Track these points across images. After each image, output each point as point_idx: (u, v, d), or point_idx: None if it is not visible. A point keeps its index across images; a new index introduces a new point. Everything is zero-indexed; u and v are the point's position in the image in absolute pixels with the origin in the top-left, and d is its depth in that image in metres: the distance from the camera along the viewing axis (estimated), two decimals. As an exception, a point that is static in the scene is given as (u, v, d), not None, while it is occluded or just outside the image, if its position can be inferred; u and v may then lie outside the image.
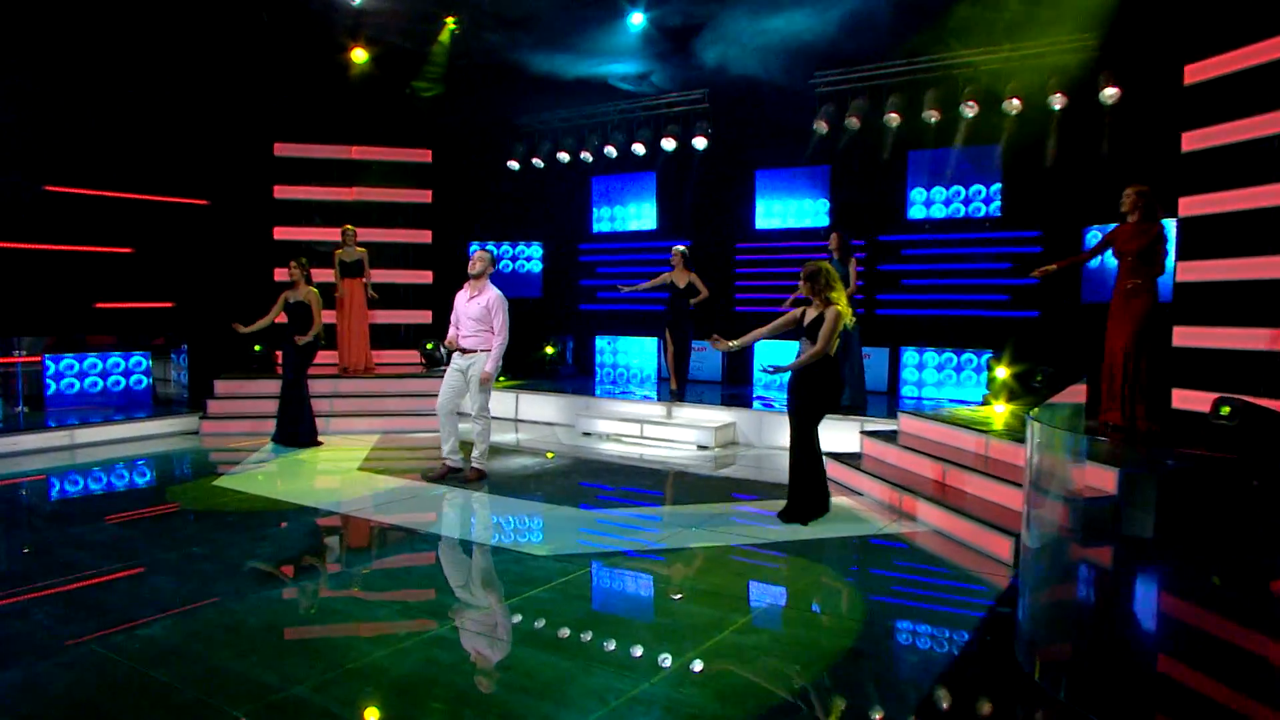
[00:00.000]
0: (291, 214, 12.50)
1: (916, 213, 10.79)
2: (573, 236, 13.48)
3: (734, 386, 11.81)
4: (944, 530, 6.01)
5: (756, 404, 10.07)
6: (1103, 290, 9.14)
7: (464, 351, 7.48)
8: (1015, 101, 9.43)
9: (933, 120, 10.07)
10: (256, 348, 11.48)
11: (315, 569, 5.29)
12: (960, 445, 7.18)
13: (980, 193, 10.32)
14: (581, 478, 7.94)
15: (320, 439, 9.13)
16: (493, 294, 7.46)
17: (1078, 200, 9.42)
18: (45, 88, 10.13)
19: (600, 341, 13.19)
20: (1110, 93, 8.82)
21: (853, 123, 10.55)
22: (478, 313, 7.43)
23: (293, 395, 8.92)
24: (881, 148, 10.66)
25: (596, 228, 13.38)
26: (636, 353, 12.94)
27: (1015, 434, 6.90)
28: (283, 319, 8.95)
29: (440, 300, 12.58)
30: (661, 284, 10.58)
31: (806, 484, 6.22)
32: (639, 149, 12.06)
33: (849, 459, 7.83)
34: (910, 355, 10.69)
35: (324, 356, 10.50)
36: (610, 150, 12.27)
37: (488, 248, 7.62)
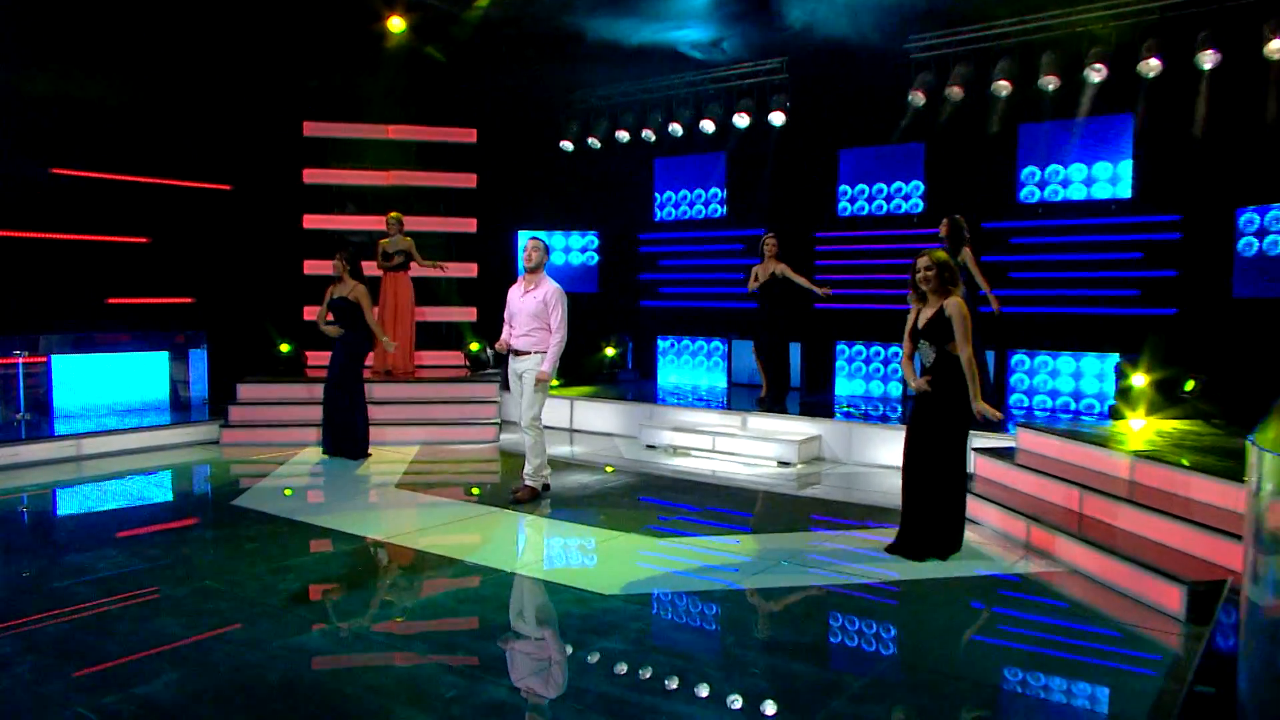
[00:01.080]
0: (322, 200, 12.22)
1: (1029, 195, 10.09)
2: (633, 225, 13.03)
3: (813, 394, 11.22)
4: (1088, 571, 5.37)
5: (840, 414, 9.46)
6: (1259, 283, 8.39)
7: (517, 353, 7.05)
8: (1153, 62, 8.68)
9: (1050, 88, 9.38)
10: (285, 348, 11.19)
11: (346, 609, 4.86)
12: (1097, 467, 6.53)
13: (1106, 171, 9.58)
14: (647, 497, 7.44)
15: (370, 450, 8.82)
16: (550, 287, 7.02)
17: (1228, 178, 8.65)
18: (53, 61, 9.94)
19: (663, 343, 12.72)
20: (1277, 46, 8.02)
21: (954, 93, 9.89)
22: (534, 308, 6.99)
23: (344, 401, 8.58)
24: (988, 121, 9.98)
25: (659, 215, 12.89)
26: (704, 355, 12.42)
27: (1165, 454, 6.24)
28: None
29: (486, 296, 12.23)
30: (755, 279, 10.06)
31: (939, 513, 5.64)
32: (708, 126, 11.53)
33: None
34: (1020, 359, 10.00)
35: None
36: (676, 128, 11.76)
37: (539, 237, 7.17)
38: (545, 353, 6.98)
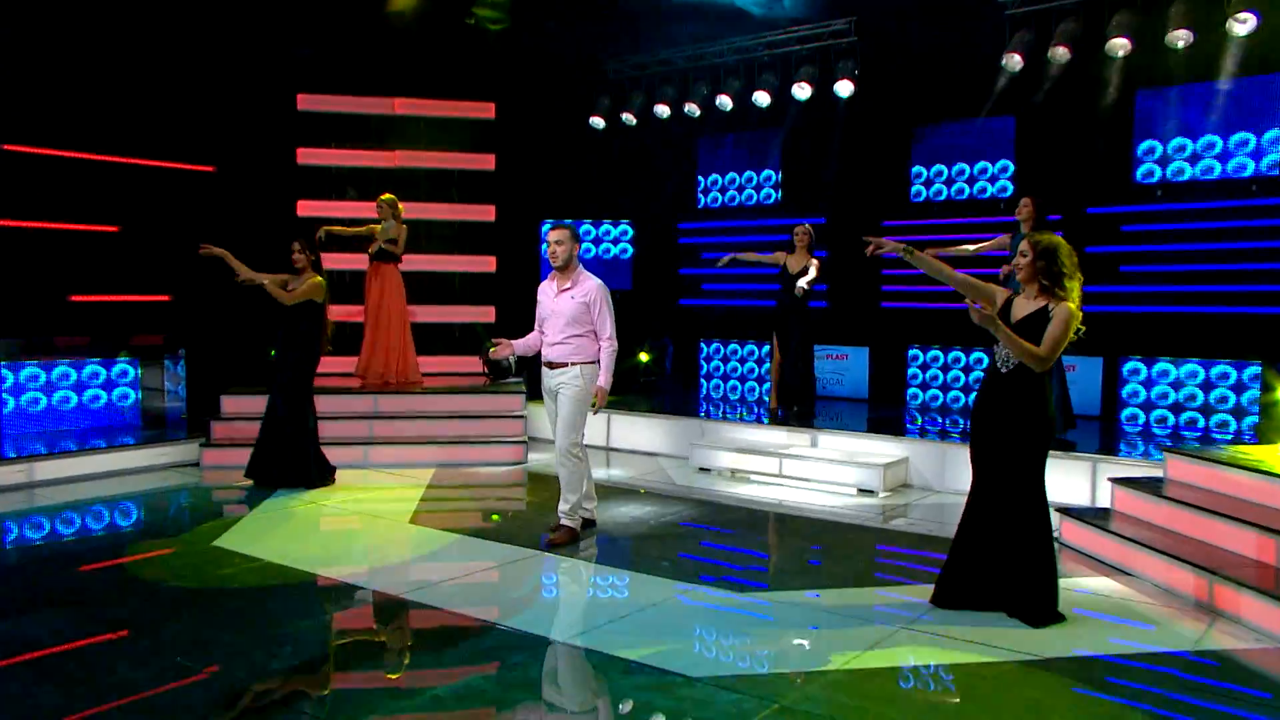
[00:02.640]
0: (319, 183, 11.35)
1: (1147, 175, 9.16)
2: (672, 214, 12.23)
3: (885, 408, 10.30)
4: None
5: (931, 432, 8.56)
6: None
7: (551, 366, 6.14)
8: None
9: (1179, 44, 8.44)
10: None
11: (355, 699, 3.96)
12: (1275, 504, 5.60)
13: (1247, 144, 8.64)
14: (709, 535, 6.55)
15: (334, 476, 7.94)
16: (591, 284, 6.12)
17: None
18: (4, 21, 9.10)
19: (707, 347, 11.84)
20: None
21: (1059, 54, 8.95)
22: (572, 311, 6.08)
23: (295, 416, 7.69)
24: (1102, 87, 9.06)
25: (703, 202, 11.99)
26: (753, 361, 11.53)
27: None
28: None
29: (505, 293, 11.42)
30: (773, 263, 9.22)
31: (1024, 562, 4.77)
32: (762, 98, 10.63)
33: (1090, 516, 6.31)
34: (1135, 367, 9.05)
35: (334, 365, 9.46)
36: (724, 101, 10.87)
37: (566, 224, 6.24)
38: (587, 364, 6.08)
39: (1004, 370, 4.75)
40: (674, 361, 12.24)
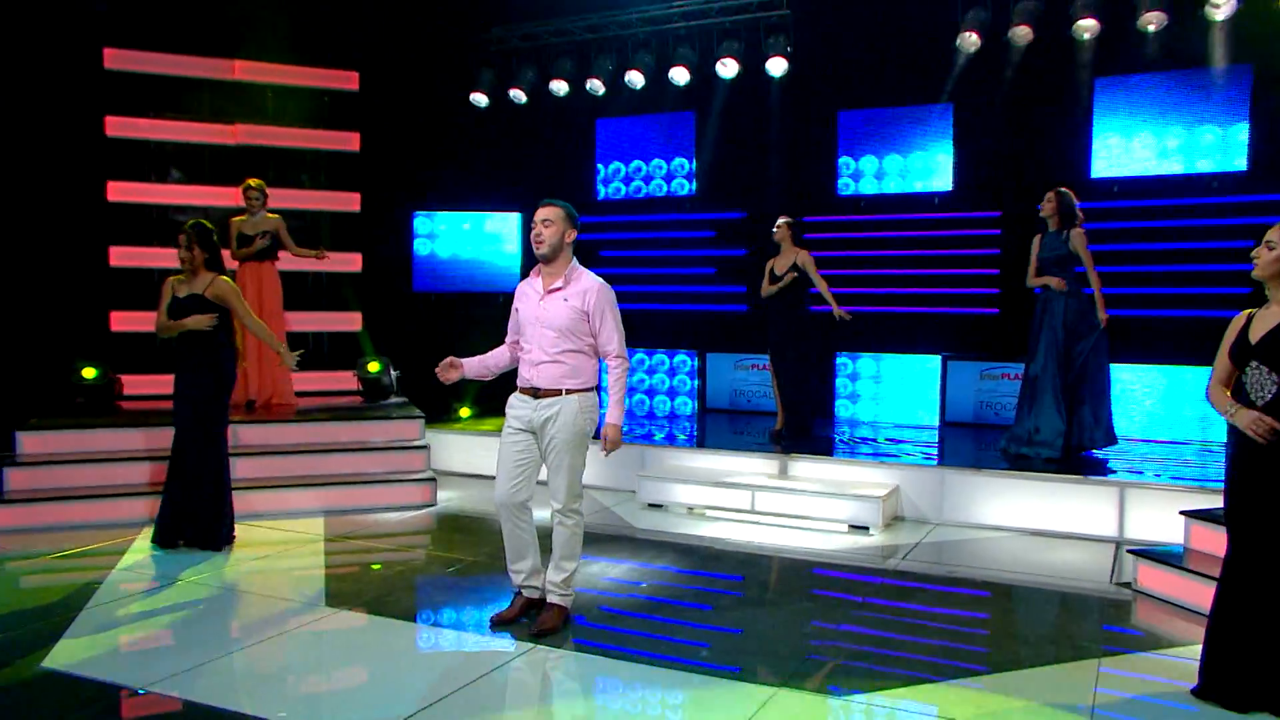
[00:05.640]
0: (135, 161, 8.97)
1: (1103, 171, 8.35)
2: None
3: (819, 424, 9.04)
4: None
5: (913, 454, 7.34)
6: None
7: (536, 393, 4.40)
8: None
9: (1150, 28, 7.62)
10: (88, 373, 7.83)
11: None
12: None
13: (1213, 136, 7.94)
14: (691, 596, 5.03)
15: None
16: (590, 284, 4.46)
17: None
18: None
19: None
20: None
21: (1022, 34, 7.96)
22: (566, 318, 4.39)
23: (205, 460, 5.66)
24: (1062, 73, 8.17)
25: (604, 193, 10.37)
26: (664, 373, 10.02)
27: None
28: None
29: (374, 297, 9.45)
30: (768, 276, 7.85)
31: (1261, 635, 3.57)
32: (680, 76, 9.13)
33: (1164, 558, 5.20)
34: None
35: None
36: (635, 78, 9.29)
37: (557, 203, 4.55)
38: (586, 392, 4.42)
39: (1261, 399, 3.49)
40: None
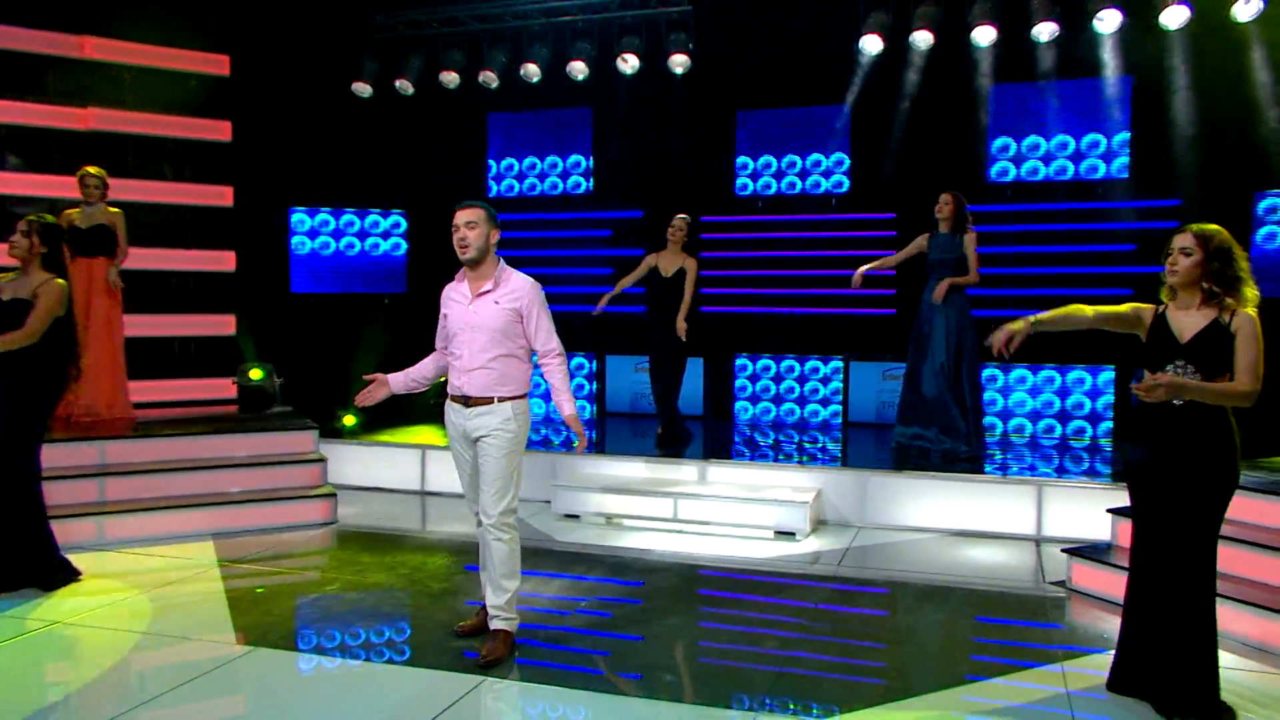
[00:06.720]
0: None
1: (1001, 173, 8.48)
2: (455, 204, 9.80)
3: (723, 427, 8.88)
4: None
5: (817, 454, 7.22)
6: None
7: (468, 402, 4.11)
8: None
9: (1043, 38, 7.77)
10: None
11: None
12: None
13: (1098, 146, 8.18)
14: (636, 613, 4.72)
15: (79, 569, 5.10)
16: (520, 284, 4.28)
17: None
18: None
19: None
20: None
21: (922, 38, 7.99)
22: (499, 321, 4.17)
23: (18, 485, 4.87)
24: (960, 78, 8.25)
25: (495, 190, 9.91)
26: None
27: None
28: None
29: (248, 298, 8.70)
30: (644, 273, 7.56)
31: (1187, 644, 3.54)
32: (578, 70, 8.78)
33: (1094, 554, 5.24)
34: (992, 374, 8.33)
35: None
36: (532, 70, 8.87)
37: (478, 204, 4.28)
38: (519, 399, 4.20)
39: (1177, 402, 3.44)
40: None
